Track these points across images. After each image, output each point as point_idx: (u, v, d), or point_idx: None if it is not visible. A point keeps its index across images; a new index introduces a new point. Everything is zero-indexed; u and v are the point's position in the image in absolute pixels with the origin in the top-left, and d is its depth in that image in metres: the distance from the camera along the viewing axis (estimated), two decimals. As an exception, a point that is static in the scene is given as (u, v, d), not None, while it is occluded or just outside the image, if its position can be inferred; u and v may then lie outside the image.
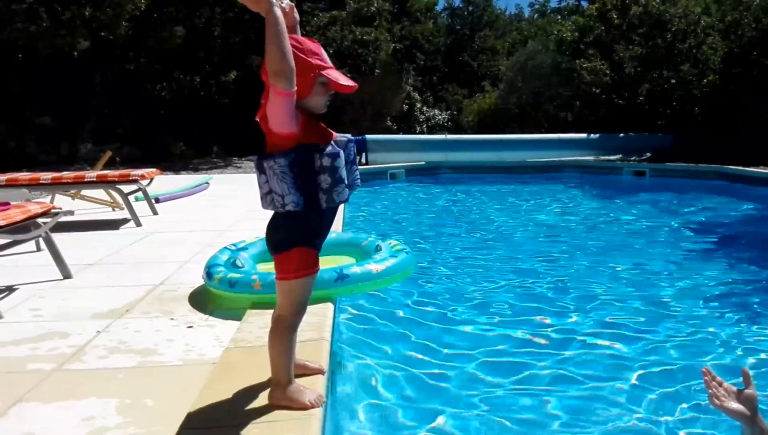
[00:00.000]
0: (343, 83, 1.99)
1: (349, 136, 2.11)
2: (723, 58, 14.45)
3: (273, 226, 2.10)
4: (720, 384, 1.80)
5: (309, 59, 1.97)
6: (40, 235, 4.23)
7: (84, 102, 15.57)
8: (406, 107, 20.86)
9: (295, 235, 2.04)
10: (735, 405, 1.75)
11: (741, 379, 1.80)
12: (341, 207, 6.43)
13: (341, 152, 2.02)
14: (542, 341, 3.52)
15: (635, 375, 3.09)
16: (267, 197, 2.02)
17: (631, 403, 2.81)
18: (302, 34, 2.09)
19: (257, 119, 2.01)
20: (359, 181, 2.15)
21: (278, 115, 1.92)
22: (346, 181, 2.03)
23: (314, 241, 2.09)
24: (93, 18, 13.47)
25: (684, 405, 2.77)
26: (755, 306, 4.28)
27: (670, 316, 3.97)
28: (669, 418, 2.67)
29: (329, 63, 2.03)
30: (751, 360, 3.26)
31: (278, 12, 1.85)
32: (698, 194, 9.91)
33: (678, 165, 12.24)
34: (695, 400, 2.79)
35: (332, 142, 2.02)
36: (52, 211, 4.36)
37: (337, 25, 18.55)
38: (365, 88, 18.07)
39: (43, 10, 13.20)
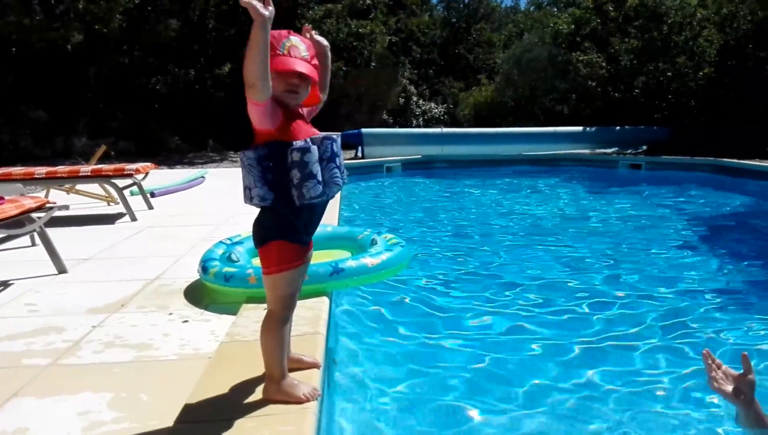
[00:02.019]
0: (287, 67, 1.96)
1: (330, 134, 2.10)
2: (719, 51, 14.46)
3: (255, 221, 2.14)
4: (719, 367, 1.81)
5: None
6: (34, 230, 4.22)
7: (78, 96, 15.50)
8: (402, 100, 20.85)
9: (272, 228, 2.07)
10: (732, 388, 1.76)
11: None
12: (337, 201, 6.49)
13: (312, 148, 2.00)
14: (541, 329, 3.54)
15: (631, 363, 3.11)
16: (245, 191, 2.07)
17: (625, 391, 2.82)
18: (297, 27, 2.09)
19: None
20: (339, 180, 2.09)
21: (254, 115, 1.97)
22: (318, 178, 2.00)
23: (293, 235, 2.08)
24: (87, 11, 13.43)
25: (676, 391, 2.79)
26: (750, 297, 4.30)
27: (665, 307, 3.98)
28: (663, 405, 2.69)
29: (287, 53, 2.00)
30: (745, 349, 3.28)
31: (269, 28, 1.87)
32: (694, 187, 9.93)
33: (674, 158, 12.22)
34: (688, 385, 2.80)
35: (306, 139, 2.01)
36: (47, 205, 4.35)
37: (332, 17, 18.50)
38: (361, 82, 18.13)
39: (36, 3, 13.13)
